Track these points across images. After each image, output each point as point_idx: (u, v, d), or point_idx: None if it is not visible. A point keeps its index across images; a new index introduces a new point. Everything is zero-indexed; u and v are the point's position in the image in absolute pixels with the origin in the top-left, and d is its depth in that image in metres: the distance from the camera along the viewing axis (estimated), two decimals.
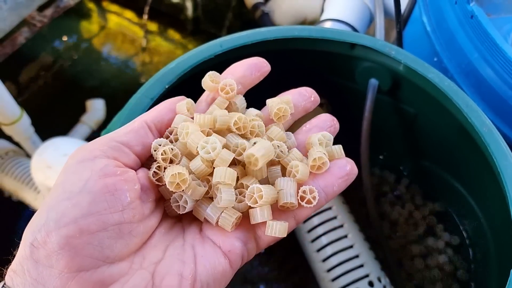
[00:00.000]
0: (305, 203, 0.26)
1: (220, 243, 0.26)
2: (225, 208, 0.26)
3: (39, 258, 0.22)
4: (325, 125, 0.31)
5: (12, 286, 0.22)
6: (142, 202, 0.25)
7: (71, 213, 0.22)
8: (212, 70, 0.40)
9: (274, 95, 0.32)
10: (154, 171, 0.26)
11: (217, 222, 0.26)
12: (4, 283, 0.22)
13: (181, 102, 0.29)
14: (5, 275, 0.23)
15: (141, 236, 0.25)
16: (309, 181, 0.27)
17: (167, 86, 0.39)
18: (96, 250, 0.22)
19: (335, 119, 0.31)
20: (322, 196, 0.27)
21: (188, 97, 0.33)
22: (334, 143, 0.29)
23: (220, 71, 0.32)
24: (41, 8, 0.78)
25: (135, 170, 0.26)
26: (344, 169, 0.27)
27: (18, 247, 0.23)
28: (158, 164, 0.26)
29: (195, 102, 0.31)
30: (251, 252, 0.27)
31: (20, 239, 0.23)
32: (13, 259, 0.23)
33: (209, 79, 0.30)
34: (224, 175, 0.25)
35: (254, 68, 0.30)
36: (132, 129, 0.27)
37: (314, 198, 0.26)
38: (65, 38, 1.20)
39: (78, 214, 0.22)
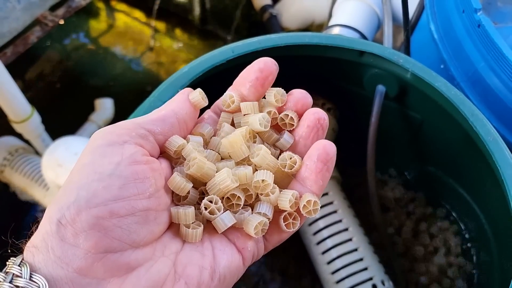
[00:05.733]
0: (306, 213, 0.27)
1: (235, 240, 0.26)
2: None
3: (66, 236, 0.22)
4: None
5: (33, 263, 0.21)
6: (165, 192, 0.26)
7: (102, 195, 0.22)
8: (224, 74, 0.41)
9: None
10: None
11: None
12: (22, 259, 0.22)
13: (194, 93, 0.29)
14: (22, 250, 0.22)
15: (164, 225, 0.25)
16: (298, 184, 0.28)
17: (179, 90, 0.39)
18: (124, 233, 0.23)
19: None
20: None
21: None
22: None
23: (232, 75, 0.33)
24: (53, 8, 0.79)
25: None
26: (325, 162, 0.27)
27: (36, 223, 0.23)
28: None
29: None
30: (260, 252, 0.28)
31: (26, 233, 0.23)
32: (31, 235, 0.23)
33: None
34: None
35: (258, 84, 0.29)
36: (159, 118, 0.27)
37: (315, 210, 0.27)
38: (74, 37, 1.21)
39: (109, 197, 0.22)
